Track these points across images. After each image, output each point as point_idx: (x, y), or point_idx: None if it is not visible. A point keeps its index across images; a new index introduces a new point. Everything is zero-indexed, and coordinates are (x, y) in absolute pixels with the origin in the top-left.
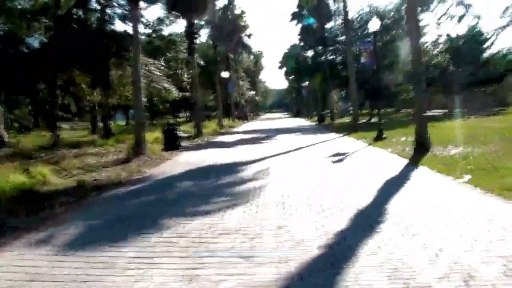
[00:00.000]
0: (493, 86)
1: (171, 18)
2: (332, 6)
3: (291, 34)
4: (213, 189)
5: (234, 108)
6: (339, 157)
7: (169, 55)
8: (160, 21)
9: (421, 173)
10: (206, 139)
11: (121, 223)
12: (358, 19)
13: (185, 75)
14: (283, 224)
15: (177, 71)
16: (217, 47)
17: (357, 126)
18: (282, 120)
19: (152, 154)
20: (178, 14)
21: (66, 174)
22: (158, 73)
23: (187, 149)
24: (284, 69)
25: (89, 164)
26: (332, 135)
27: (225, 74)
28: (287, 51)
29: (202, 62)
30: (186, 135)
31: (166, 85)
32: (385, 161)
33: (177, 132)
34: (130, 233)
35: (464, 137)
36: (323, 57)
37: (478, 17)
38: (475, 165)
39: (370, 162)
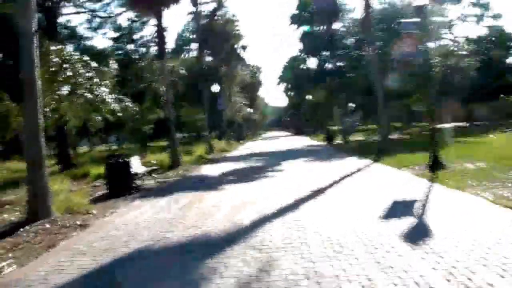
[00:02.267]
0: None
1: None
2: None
3: (291, 46)
4: None
5: (227, 128)
6: (409, 224)
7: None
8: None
9: None
10: (182, 172)
11: None
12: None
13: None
14: None
15: (152, 83)
16: (205, 57)
17: (387, 146)
18: (284, 139)
19: (67, 211)
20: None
21: None
22: (88, 74)
23: (147, 192)
24: (284, 84)
25: None
26: (356, 161)
27: (214, 88)
28: (286, 64)
29: (183, 71)
30: (151, 168)
31: (106, 97)
32: None
33: (131, 167)
34: None
35: None
36: (328, 65)
37: (498, 17)
38: None
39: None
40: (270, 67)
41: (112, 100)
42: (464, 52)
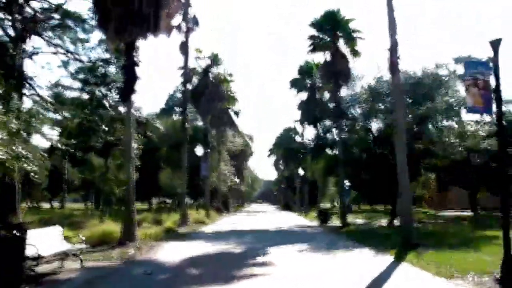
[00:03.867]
0: None
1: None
2: (351, 63)
3: (286, 114)
4: None
5: (209, 197)
6: None
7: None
8: None
9: None
10: (132, 253)
11: None
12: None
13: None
14: None
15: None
16: (194, 119)
17: (412, 236)
18: (271, 214)
19: None
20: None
21: None
22: None
23: None
24: (273, 157)
25: None
26: (372, 257)
27: (198, 151)
28: (279, 135)
29: (161, 127)
30: (80, 246)
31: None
32: None
33: (28, 245)
34: None
35: None
36: (330, 135)
37: (510, 102)
38: None
39: None
40: (262, 138)
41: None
42: (483, 134)
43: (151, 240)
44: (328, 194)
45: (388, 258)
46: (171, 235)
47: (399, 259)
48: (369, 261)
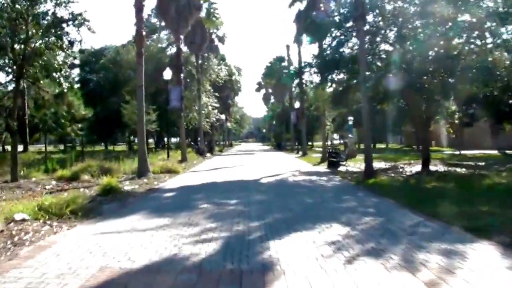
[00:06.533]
0: None
1: None
2: None
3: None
4: None
5: (184, 136)
6: None
7: None
8: None
9: None
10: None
11: None
12: None
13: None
14: None
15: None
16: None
17: None
18: (262, 156)
19: None
20: None
21: None
22: None
23: None
24: (263, 92)
25: None
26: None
27: (166, 75)
28: (269, 64)
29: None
30: None
31: None
32: None
33: None
34: None
35: None
36: (345, 49)
37: None
38: None
39: None
40: (252, 74)
41: None
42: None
43: (52, 219)
44: (322, 131)
45: None
46: (104, 199)
47: None
48: None
